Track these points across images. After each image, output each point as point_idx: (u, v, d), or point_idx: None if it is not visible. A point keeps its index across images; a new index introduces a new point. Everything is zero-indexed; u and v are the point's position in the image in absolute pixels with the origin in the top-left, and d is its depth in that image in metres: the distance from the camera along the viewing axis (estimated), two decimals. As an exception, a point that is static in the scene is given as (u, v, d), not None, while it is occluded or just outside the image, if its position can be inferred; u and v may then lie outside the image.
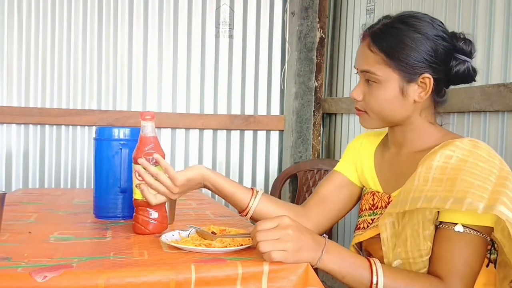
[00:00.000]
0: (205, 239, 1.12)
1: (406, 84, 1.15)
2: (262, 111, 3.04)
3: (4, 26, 2.69)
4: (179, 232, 1.19)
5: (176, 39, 2.91)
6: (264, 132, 3.04)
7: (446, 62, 1.16)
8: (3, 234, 1.18)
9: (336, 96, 2.95)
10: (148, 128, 1.22)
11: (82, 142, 2.80)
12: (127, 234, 1.23)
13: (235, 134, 3.01)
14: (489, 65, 1.80)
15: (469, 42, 1.18)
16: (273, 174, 3.04)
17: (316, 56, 2.95)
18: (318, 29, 2.95)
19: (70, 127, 2.78)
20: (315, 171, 2.69)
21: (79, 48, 2.79)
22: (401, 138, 1.23)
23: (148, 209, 1.23)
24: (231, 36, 2.98)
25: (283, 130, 3.03)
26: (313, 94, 2.96)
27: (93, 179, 1.44)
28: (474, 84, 1.84)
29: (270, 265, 0.98)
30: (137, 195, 1.22)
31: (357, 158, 1.36)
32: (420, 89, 1.16)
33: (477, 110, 1.81)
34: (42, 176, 2.76)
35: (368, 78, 1.18)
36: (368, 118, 1.21)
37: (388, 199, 1.22)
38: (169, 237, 1.15)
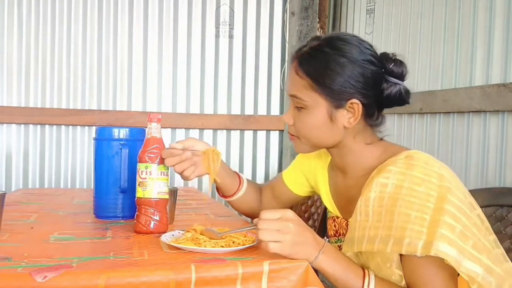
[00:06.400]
0: (211, 238, 1.12)
1: (334, 109, 1.12)
2: (262, 111, 3.04)
3: (4, 26, 2.70)
4: (179, 232, 1.19)
5: (176, 39, 2.91)
6: (264, 132, 3.04)
7: (376, 86, 1.12)
8: (3, 234, 1.18)
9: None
10: (155, 130, 1.25)
11: (82, 142, 2.80)
12: (127, 234, 1.23)
13: (235, 134, 3.01)
14: (489, 65, 1.80)
15: (400, 63, 1.13)
16: (273, 174, 3.04)
17: (316, 56, 2.95)
18: (318, 29, 2.95)
19: (70, 127, 2.79)
20: (315, 171, 2.68)
21: (79, 48, 2.79)
22: (340, 162, 1.22)
23: (150, 208, 1.23)
24: (231, 36, 2.98)
25: (283, 130, 3.03)
26: (313, 94, 2.96)
27: (93, 179, 1.44)
28: (474, 84, 1.86)
29: (270, 265, 0.98)
30: (139, 193, 1.23)
31: (309, 172, 1.38)
32: (350, 114, 1.12)
33: (477, 110, 1.81)
34: (42, 176, 2.77)
35: (296, 104, 1.15)
36: (299, 143, 1.20)
37: (346, 226, 1.21)
38: (169, 237, 1.15)
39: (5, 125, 2.71)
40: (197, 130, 2.94)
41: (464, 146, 1.89)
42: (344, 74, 1.10)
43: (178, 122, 2.88)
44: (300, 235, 1.02)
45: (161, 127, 1.27)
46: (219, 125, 2.94)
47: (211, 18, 2.96)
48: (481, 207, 1.47)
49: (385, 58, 1.14)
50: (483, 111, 1.80)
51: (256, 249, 1.08)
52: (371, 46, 1.15)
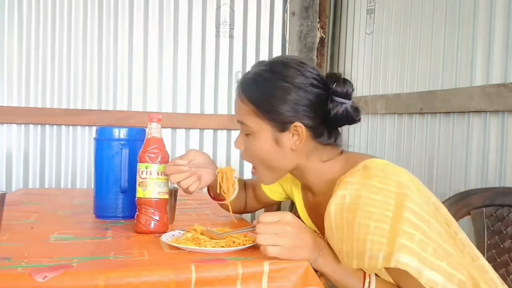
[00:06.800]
0: (211, 238, 1.12)
1: (279, 133, 1.11)
2: (262, 111, 3.03)
3: (4, 26, 2.70)
4: (179, 232, 1.19)
5: (176, 39, 2.91)
6: (264, 132, 3.04)
7: (321, 107, 1.11)
8: (3, 234, 1.18)
9: (336, 96, 2.94)
10: (155, 130, 1.25)
11: (82, 142, 2.80)
12: (127, 234, 1.23)
13: (235, 134, 2.99)
14: (489, 65, 1.80)
15: (343, 83, 1.11)
16: (273, 174, 3.04)
17: (317, 56, 2.95)
18: (318, 29, 2.95)
19: (70, 127, 2.79)
20: (315, 171, 2.68)
21: (79, 48, 2.79)
22: (304, 181, 1.21)
23: (150, 208, 1.23)
24: (231, 36, 2.98)
25: (283, 130, 3.03)
26: (313, 94, 2.96)
27: (93, 179, 1.44)
28: (474, 84, 1.86)
29: (270, 265, 0.98)
30: (139, 193, 1.23)
31: (285, 185, 1.38)
32: (295, 137, 1.12)
33: (477, 110, 1.81)
34: (42, 176, 2.77)
35: (243, 130, 1.16)
36: (259, 174, 1.19)
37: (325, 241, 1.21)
38: (169, 237, 1.15)
39: (5, 125, 2.71)
40: (197, 130, 2.94)
41: (464, 146, 1.89)
42: (285, 98, 1.09)
43: (178, 122, 2.88)
44: (299, 238, 1.01)
45: (161, 127, 1.27)
46: (219, 125, 2.94)
47: (211, 18, 2.96)
48: (481, 207, 1.48)
49: (329, 79, 1.13)
50: (483, 111, 1.80)
51: (256, 249, 1.08)
52: (313, 68, 1.14)
